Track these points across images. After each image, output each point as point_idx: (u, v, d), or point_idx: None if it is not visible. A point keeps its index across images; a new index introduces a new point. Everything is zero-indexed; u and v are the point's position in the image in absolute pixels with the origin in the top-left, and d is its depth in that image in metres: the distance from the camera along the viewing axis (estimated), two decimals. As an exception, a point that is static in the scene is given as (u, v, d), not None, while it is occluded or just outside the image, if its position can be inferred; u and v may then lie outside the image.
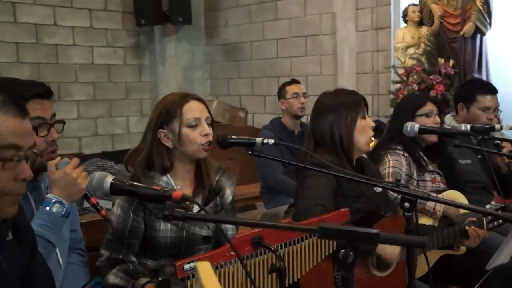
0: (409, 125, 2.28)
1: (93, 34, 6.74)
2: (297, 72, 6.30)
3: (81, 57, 6.66)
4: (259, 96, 6.78)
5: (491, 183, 3.10)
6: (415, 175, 2.71)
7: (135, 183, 1.42)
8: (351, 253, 1.12)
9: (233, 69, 7.10)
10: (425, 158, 2.77)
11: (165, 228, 1.91)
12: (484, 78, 4.89)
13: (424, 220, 2.61)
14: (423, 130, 2.25)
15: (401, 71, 5.02)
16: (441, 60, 4.74)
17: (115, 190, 1.42)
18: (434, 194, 2.58)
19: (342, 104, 2.22)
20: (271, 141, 1.69)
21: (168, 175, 1.96)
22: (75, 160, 1.70)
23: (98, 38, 6.79)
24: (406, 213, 1.60)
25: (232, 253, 1.51)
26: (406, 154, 2.70)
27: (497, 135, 3.00)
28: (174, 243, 1.93)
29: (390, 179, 2.56)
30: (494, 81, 4.68)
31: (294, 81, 4.22)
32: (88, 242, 2.09)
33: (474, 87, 3.20)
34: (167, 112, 1.94)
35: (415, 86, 4.77)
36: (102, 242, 1.95)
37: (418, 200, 2.44)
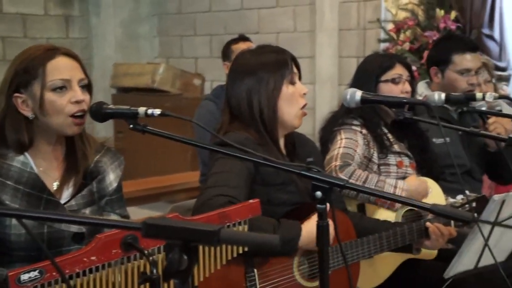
0: (348, 92, 2.16)
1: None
2: (266, 27, 6.25)
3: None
4: (220, 58, 6.65)
5: (477, 166, 3.10)
6: (375, 158, 2.69)
7: None
8: (185, 256, 1.10)
9: (187, 24, 7.01)
10: (389, 136, 2.74)
11: (17, 223, 1.83)
12: (497, 36, 4.89)
13: (386, 215, 2.58)
14: (365, 99, 2.15)
15: (390, 26, 4.97)
16: (440, 12, 4.70)
17: None
18: (399, 182, 2.58)
19: (262, 65, 2.18)
20: (157, 111, 1.69)
21: (26, 153, 1.92)
22: None
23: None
24: (318, 206, 1.59)
25: (94, 258, 1.46)
26: (364, 131, 2.68)
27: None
28: (31, 243, 1.85)
29: (338, 163, 2.54)
30: (510, 38, 4.69)
31: (243, 38, 4.19)
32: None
33: (448, 45, 3.17)
34: (25, 70, 1.86)
35: (406, 46, 4.75)
36: None
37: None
